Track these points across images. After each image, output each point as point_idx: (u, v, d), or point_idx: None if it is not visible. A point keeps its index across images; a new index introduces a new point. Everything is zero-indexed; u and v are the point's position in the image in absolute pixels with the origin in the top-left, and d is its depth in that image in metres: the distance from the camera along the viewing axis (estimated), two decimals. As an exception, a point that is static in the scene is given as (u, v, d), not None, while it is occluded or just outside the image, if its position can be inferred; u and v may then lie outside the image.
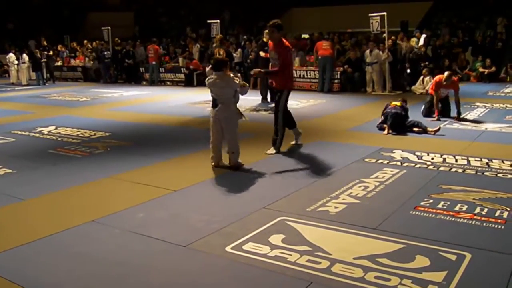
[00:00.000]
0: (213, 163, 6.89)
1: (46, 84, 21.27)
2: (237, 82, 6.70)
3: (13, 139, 9.30)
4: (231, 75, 6.76)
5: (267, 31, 14.90)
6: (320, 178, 6.28)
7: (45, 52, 22.05)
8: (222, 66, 6.68)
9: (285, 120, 7.71)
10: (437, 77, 10.64)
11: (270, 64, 8.22)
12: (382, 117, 9.25)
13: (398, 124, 8.93)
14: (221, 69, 6.65)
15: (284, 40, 7.73)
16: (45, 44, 25.17)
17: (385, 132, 8.86)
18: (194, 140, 8.59)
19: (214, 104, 6.76)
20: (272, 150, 7.64)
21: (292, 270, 3.83)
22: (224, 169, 6.78)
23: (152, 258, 4.14)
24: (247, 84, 7.03)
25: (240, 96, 6.86)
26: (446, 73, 10.51)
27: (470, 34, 20.80)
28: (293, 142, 8.19)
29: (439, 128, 8.91)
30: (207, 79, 6.89)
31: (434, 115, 10.18)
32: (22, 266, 4.05)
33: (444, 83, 10.28)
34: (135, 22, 34.88)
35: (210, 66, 7.14)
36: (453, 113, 10.40)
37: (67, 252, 4.30)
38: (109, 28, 21.19)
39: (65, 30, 30.80)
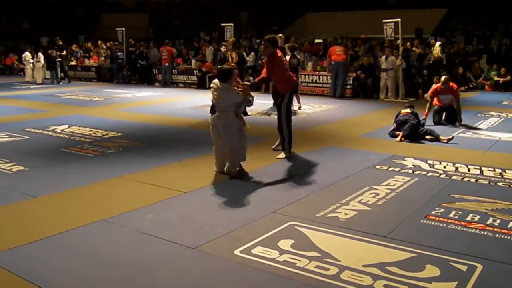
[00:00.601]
0: (216, 169, 6.80)
1: (60, 83, 21.41)
2: (240, 95, 6.53)
3: (27, 137, 9.36)
4: (239, 86, 6.61)
5: (280, 35, 14.99)
6: (331, 184, 6.25)
7: (58, 52, 22.18)
8: (227, 77, 6.47)
9: (289, 122, 7.68)
10: (437, 84, 10.63)
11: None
12: (395, 124, 9.20)
13: (412, 132, 8.88)
14: (225, 80, 6.46)
15: (277, 52, 7.66)
16: (60, 43, 25.33)
17: (398, 139, 8.81)
18: (204, 142, 8.56)
19: (212, 110, 6.62)
20: (282, 155, 7.62)
21: (300, 276, 3.81)
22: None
23: (161, 259, 4.13)
24: (252, 97, 6.79)
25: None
26: (442, 78, 10.50)
27: (486, 42, 20.66)
28: (274, 147, 8.04)
29: (452, 137, 8.85)
30: (211, 83, 6.74)
31: (423, 117, 10.08)
32: (32, 263, 4.07)
33: (442, 87, 10.24)
34: (149, 24, 35.03)
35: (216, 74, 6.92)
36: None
37: (77, 250, 4.32)
38: (124, 29, 21.29)
39: (80, 30, 31.03)
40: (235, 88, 6.54)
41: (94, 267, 3.99)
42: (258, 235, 4.57)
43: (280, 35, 14.95)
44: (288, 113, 7.67)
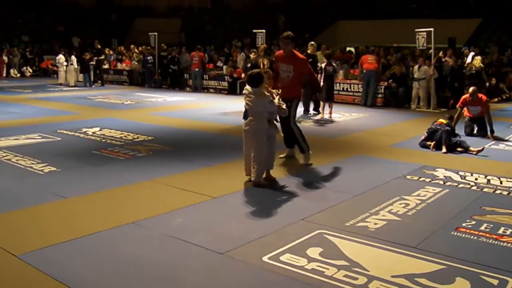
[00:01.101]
0: (246, 175, 6.77)
1: (93, 86, 21.74)
2: (274, 102, 6.48)
3: (59, 138, 9.53)
4: (271, 95, 6.54)
5: (312, 42, 14.99)
6: (360, 193, 6.21)
7: (95, 57, 22.53)
8: (257, 82, 6.40)
9: (297, 126, 7.71)
10: (466, 95, 10.51)
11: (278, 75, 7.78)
12: (426, 133, 9.10)
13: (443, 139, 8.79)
14: (256, 85, 6.40)
15: (296, 52, 7.70)
16: (99, 47, 25.72)
17: (432, 146, 8.74)
18: (235, 148, 8.60)
19: (245, 115, 6.62)
20: (304, 160, 7.63)
21: (328, 285, 3.79)
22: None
23: (189, 263, 4.16)
24: (284, 108, 6.73)
25: None
26: (470, 89, 10.36)
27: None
28: (283, 156, 7.96)
29: (483, 148, 8.71)
30: (244, 89, 6.72)
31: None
32: (63, 262, 4.13)
33: (470, 98, 10.11)
34: (182, 29, 35.36)
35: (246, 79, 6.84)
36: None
37: (105, 252, 4.37)
38: (156, 33, 21.55)
39: (113, 34, 31.50)
40: (267, 93, 6.51)
41: (122, 270, 4.04)
42: (286, 242, 4.57)
43: (312, 42, 14.97)
44: (295, 118, 7.70)
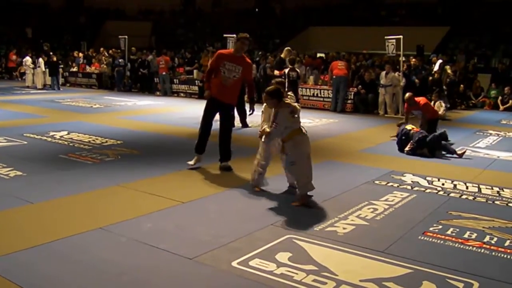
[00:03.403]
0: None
1: (61, 89, 21.43)
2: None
3: (25, 142, 9.35)
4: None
5: (288, 48, 15.04)
6: (329, 198, 6.25)
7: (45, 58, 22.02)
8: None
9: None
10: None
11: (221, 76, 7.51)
12: (399, 138, 9.29)
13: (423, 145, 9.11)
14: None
15: (245, 55, 7.69)
16: (46, 48, 25.19)
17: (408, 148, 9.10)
18: (205, 152, 8.58)
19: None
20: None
21: (297, 289, 3.80)
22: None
23: (158, 269, 4.12)
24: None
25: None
26: (406, 95, 10.83)
27: (486, 61, 20.77)
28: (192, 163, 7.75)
29: (465, 151, 9.17)
30: None
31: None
32: (26, 270, 4.04)
33: (408, 104, 10.55)
34: (152, 32, 35.17)
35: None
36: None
37: (73, 258, 4.29)
38: (126, 37, 21.37)
39: (83, 36, 31.15)
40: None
41: (90, 276, 3.98)
42: (256, 247, 4.56)
43: (288, 48, 15.07)
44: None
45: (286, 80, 13.30)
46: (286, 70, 13.65)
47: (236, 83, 7.54)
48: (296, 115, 5.99)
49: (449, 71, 16.94)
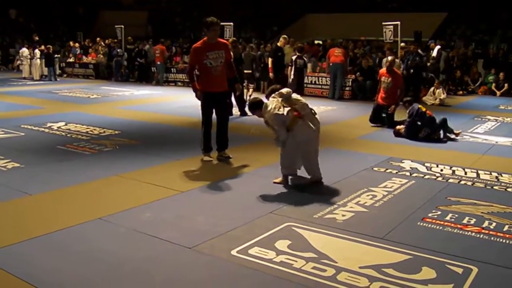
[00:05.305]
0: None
1: (58, 80, 21.36)
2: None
3: (23, 133, 9.33)
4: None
5: (284, 36, 14.99)
6: (328, 185, 6.25)
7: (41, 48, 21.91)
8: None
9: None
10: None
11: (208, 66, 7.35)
12: (408, 124, 9.31)
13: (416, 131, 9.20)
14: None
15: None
16: (37, 39, 25.05)
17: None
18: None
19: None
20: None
21: (297, 277, 3.80)
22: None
23: (157, 258, 4.12)
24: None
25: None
26: (389, 58, 10.97)
27: (484, 47, 20.71)
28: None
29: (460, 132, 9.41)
30: None
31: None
32: (26, 261, 4.04)
33: (384, 68, 10.65)
34: (149, 22, 35.00)
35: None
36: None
37: (72, 249, 4.29)
38: (122, 26, 21.28)
39: (79, 27, 30.98)
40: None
41: (90, 266, 3.98)
42: (255, 235, 4.56)
43: (285, 36, 15.02)
44: None
45: (293, 67, 13.27)
46: (294, 57, 13.62)
47: (224, 68, 7.41)
48: (280, 109, 5.99)
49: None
